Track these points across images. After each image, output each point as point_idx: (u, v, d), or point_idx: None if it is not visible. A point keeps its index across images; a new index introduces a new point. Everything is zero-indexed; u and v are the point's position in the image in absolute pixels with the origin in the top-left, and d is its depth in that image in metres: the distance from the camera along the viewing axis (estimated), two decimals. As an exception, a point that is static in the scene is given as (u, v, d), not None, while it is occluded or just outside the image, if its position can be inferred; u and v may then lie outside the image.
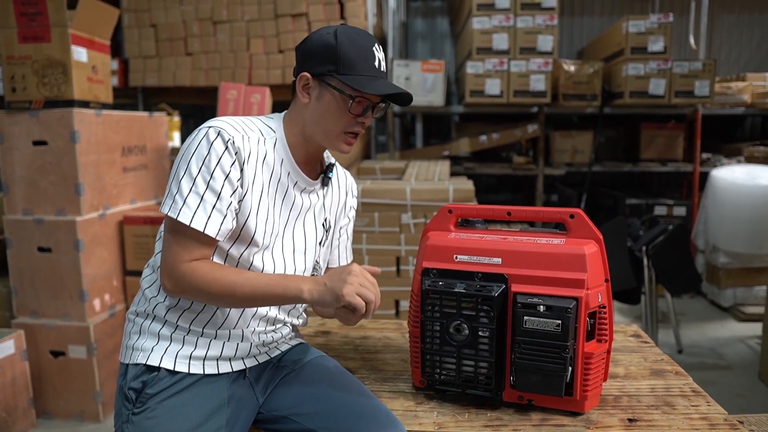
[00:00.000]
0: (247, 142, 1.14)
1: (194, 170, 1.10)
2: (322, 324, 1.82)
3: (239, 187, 1.13)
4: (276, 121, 1.25)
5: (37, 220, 2.60)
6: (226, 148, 1.11)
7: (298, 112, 1.23)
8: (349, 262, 1.47)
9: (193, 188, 1.09)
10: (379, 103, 1.21)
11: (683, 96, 4.52)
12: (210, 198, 1.10)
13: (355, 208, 1.47)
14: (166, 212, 1.11)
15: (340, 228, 1.42)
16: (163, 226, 1.26)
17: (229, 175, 1.11)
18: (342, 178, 1.41)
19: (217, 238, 1.12)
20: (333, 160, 1.38)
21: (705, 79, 4.49)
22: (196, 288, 1.11)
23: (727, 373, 3.18)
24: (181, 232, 1.11)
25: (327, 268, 1.43)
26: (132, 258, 2.88)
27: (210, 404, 1.15)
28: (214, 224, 1.10)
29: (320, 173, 1.32)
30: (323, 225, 1.33)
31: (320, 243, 1.33)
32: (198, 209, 1.09)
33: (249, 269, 1.19)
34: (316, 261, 1.33)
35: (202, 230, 1.09)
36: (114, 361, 2.76)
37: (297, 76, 1.21)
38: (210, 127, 1.13)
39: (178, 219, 1.09)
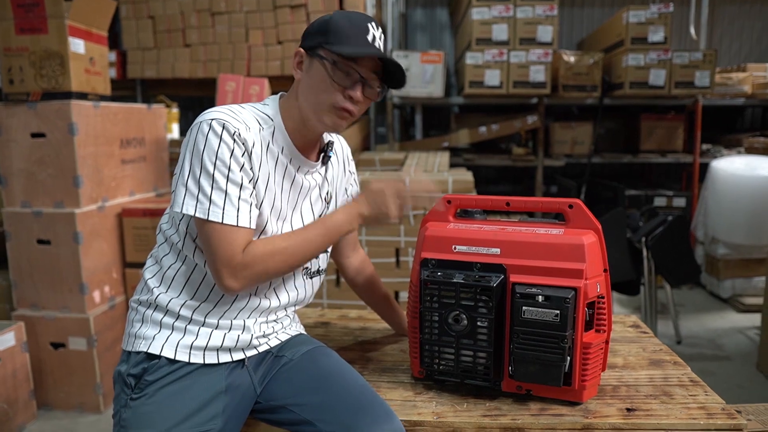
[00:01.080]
0: (248, 132, 1.14)
1: (210, 166, 1.09)
2: (321, 315, 1.83)
3: (252, 176, 1.15)
4: (272, 107, 1.24)
5: (35, 212, 2.60)
6: (234, 140, 1.11)
7: (294, 93, 1.23)
8: None
9: (214, 185, 1.10)
10: (372, 81, 1.19)
11: (683, 87, 4.50)
12: (233, 191, 1.11)
13: (353, 170, 1.49)
14: (193, 214, 1.10)
15: (345, 189, 1.46)
16: (164, 219, 1.26)
17: (244, 165, 1.12)
18: (339, 149, 1.42)
19: (251, 227, 1.13)
20: (330, 136, 1.38)
21: (705, 69, 4.48)
22: (262, 272, 1.14)
23: (725, 364, 3.19)
24: (217, 231, 1.10)
25: None
26: (132, 250, 2.88)
27: (207, 392, 1.16)
28: (244, 215, 1.12)
29: (320, 151, 1.32)
30: (325, 198, 1.35)
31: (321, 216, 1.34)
32: (226, 205, 1.10)
33: None
34: None
35: (236, 224, 1.10)
36: (114, 352, 2.76)
37: None
38: (213, 119, 1.11)
39: (209, 219, 1.09)
